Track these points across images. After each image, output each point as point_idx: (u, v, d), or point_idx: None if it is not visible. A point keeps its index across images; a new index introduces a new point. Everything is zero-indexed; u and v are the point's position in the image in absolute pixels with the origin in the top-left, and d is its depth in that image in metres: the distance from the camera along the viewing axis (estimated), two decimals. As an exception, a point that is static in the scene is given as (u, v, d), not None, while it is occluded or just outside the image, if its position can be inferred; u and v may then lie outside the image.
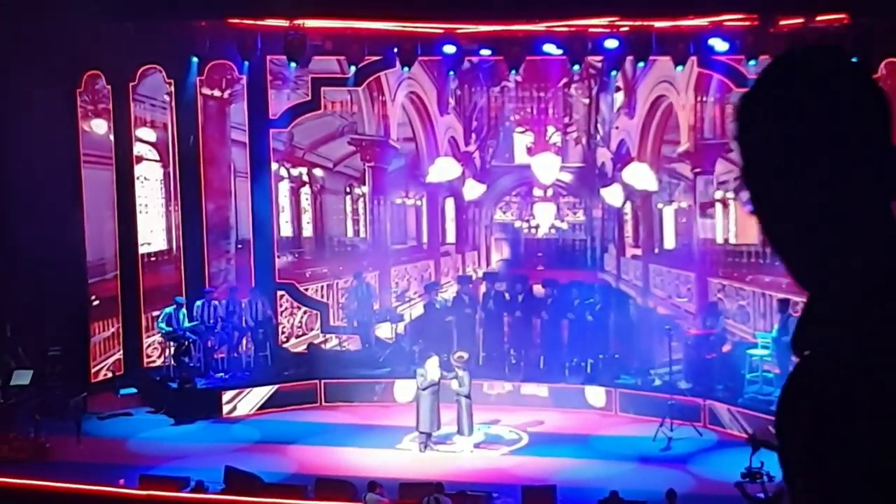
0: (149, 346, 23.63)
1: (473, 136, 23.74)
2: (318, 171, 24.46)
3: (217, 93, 23.65)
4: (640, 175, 22.74)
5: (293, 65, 22.44)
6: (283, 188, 24.34)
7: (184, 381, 22.25)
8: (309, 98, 23.63)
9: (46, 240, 22.04)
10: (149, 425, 21.74)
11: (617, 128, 22.95)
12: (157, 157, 23.74)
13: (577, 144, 23.17)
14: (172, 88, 23.39)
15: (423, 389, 20.08)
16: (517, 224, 23.77)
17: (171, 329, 22.66)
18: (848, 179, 2.20)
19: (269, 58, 23.04)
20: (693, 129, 22.45)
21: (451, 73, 23.02)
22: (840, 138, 2.21)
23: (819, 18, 20.48)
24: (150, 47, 22.51)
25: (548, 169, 22.72)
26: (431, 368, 20.21)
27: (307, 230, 24.43)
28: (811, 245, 2.24)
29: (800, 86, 2.23)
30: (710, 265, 22.75)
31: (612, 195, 23.16)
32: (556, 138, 23.33)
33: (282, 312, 24.18)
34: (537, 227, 23.58)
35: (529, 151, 23.29)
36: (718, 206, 22.63)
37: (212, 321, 23.00)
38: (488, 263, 23.86)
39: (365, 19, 21.68)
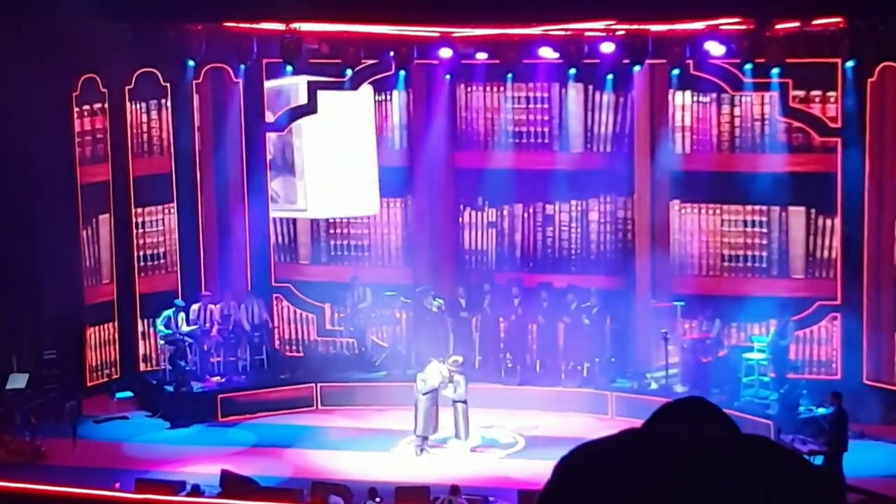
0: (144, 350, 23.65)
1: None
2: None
3: (212, 96, 23.61)
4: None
5: (289, 68, 22.40)
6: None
7: (180, 384, 22.22)
8: (305, 101, 23.59)
9: (42, 243, 22.02)
10: (145, 429, 21.73)
11: (614, 130, 22.90)
12: (154, 160, 23.68)
13: (574, 146, 23.12)
14: (168, 91, 23.38)
15: (424, 394, 20.04)
16: (513, 227, 23.70)
17: (169, 332, 22.63)
18: None
19: (264, 61, 23.00)
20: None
21: (448, 76, 22.99)
22: None
23: (815, 22, 20.49)
24: (146, 50, 22.47)
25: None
26: (432, 373, 20.16)
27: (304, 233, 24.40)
28: None
29: None
30: (707, 268, 22.74)
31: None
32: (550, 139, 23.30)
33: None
34: (534, 230, 23.53)
35: (526, 153, 23.24)
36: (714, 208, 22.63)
37: (208, 325, 22.97)
38: (484, 266, 23.80)
39: (361, 23, 21.67)
